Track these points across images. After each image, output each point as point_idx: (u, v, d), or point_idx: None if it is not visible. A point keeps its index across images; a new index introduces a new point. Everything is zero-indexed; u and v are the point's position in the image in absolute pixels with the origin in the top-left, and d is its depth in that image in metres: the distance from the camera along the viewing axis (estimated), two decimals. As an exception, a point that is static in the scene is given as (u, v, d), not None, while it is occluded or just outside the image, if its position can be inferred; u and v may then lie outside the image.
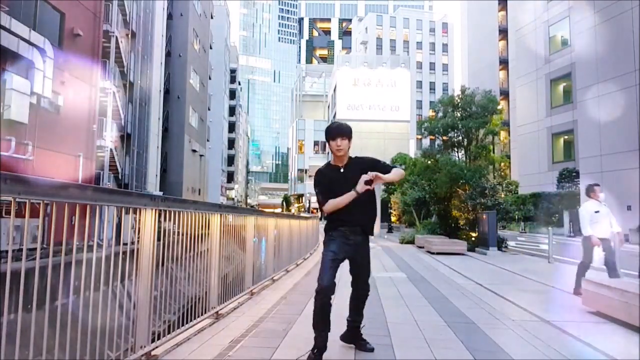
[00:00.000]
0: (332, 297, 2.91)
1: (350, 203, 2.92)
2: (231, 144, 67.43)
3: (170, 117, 29.90)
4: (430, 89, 70.39)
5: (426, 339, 3.52)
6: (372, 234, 3.11)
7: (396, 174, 2.97)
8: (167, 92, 29.01)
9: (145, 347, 2.76)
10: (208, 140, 40.97)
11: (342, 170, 2.99)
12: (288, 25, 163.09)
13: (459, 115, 17.86)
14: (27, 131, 12.45)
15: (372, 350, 3.17)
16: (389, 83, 47.47)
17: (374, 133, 44.66)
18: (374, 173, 2.83)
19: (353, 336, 3.23)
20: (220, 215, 4.26)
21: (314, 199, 61.92)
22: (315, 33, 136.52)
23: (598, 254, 5.92)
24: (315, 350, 2.89)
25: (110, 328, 2.46)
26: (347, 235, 2.97)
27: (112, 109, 18.12)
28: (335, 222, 3.01)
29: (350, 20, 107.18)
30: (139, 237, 2.83)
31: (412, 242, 16.04)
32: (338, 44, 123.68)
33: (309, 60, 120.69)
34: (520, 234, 23.68)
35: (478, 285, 6.56)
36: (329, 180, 3.01)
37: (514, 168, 37.19)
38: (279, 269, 7.27)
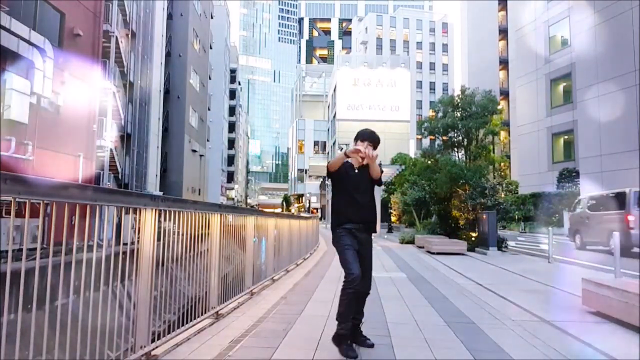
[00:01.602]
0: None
1: (355, 203, 3.19)
2: (231, 144, 67.43)
3: (170, 117, 29.90)
4: (430, 89, 70.37)
5: (426, 339, 3.52)
6: (375, 232, 3.34)
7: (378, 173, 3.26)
8: (167, 92, 29.00)
9: (145, 347, 2.76)
10: (208, 140, 40.97)
11: (356, 170, 3.26)
12: (288, 25, 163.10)
13: (459, 115, 17.86)
14: (27, 131, 12.45)
15: (372, 346, 3.22)
16: (389, 83, 47.47)
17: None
18: (372, 152, 3.12)
19: (353, 333, 3.26)
20: (220, 215, 4.26)
21: (314, 199, 61.92)
22: (315, 33, 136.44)
23: None
24: (346, 340, 3.05)
25: (110, 328, 2.46)
26: (354, 233, 3.17)
27: (112, 109, 18.12)
28: (342, 218, 3.22)
29: (350, 20, 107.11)
30: (139, 237, 2.83)
31: (412, 242, 16.03)
32: (338, 44, 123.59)
33: (309, 60, 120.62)
34: (520, 234, 23.67)
35: (478, 285, 6.56)
36: (346, 171, 3.27)
37: (514, 168, 37.20)
38: (279, 269, 7.27)
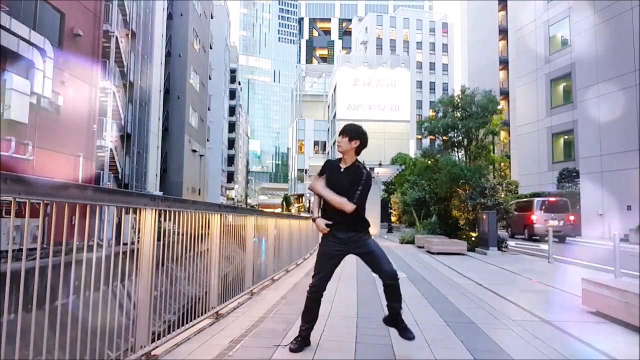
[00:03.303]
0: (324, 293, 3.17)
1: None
2: (231, 144, 67.44)
3: (170, 117, 29.90)
4: (430, 89, 70.35)
5: (426, 339, 3.52)
6: (360, 229, 3.12)
7: (339, 202, 3.02)
8: (167, 92, 29.00)
9: (145, 347, 2.77)
10: (208, 140, 40.96)
11: (342, 170, 3.14)
12: (288, 25, 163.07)
13: (459, 115, 17.80)
14: (27, 131, 12.45)
15: (412, 339, 3.09)
16: (389, 83, 47.42)
17: (374, 133, 44.49)
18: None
19: (393, 321, 3.21)
20: (220, 215, 4.26)
21: (314, 199, 61.81)
22: (315, 33, 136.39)
23: None
24: (299, 339, 3.14)
25: (110, 328, 2.46)
26: (335, 234, 3.09)
27: (112, 109, 18.12)
28: (326, 217, 3.15)
29: (350, 20, 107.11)
30: (139, 237, 2.83)
31: (412, 242, 16.02)
32: (338, 44, 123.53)
33: (309, 60, 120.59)
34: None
35: (478, 285, 6.56)
36: (331, 171, 3.19)
37: (514, 168, 37.17)
38: (279, 269, 7.27)
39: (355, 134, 3.12)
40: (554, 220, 17.76)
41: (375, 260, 3.11)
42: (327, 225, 3.09)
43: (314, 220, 3.20)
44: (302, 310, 3.22)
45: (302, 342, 3.15)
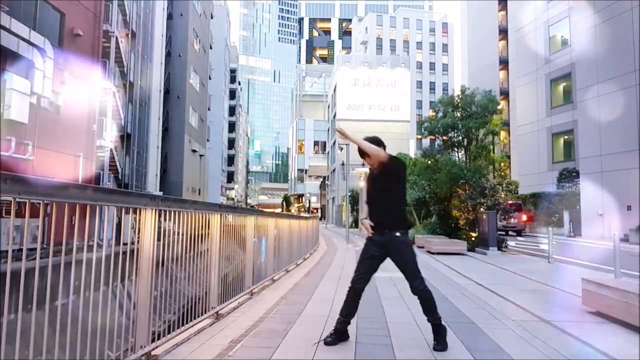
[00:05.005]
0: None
1: (369, 205, 3.37)
2: (231, 144, 67.43)
3: (170, 117, 29.89)
4: (430, 89, 70.29)
5: (426, 339, 3.52)
6: (394, 229, 3.25)
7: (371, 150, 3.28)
8: (167, 92, 28.98)
9: (145, 347, 2.76)
10: (208, 140, 40.94)
11: (376, 173, 3.42)
12: (288, 25, 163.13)
13: (459, 115, 17.80)
14: (27, 131, 12.45)
15: (439, 350, 3.18)
16: (389, 83, 47.40)
17: (374, 133, 44.24)
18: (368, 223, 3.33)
19: (433, 333, 3.30)
20: (220, 215, 4.26)
21: (314, 199, 61.89)
22: (315, 33, 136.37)
23: None
24: (334, 333, 3.32)
25: (110, 328, 2.46)
26: (374, 236, 3.30)
27: (112, 109, 18.10)
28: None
29: (350, 20, 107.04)
30: (139, 237, 2.83)
31: (412, 242, 16.02)
32: (338, 44, 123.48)
33: (309, 60, 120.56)
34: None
35: (478, 285, 6.56)
36: (370, 179, 3.50)
37: (514, 168, 37.15)
38: (279, 269, 7.27)
39: (377, 144, 3.39)
40: (510, 219, 21.84)
41: (405, 271, 3.31)
42: (371, 226, 3.30)
43: (361, 221, 3.41)
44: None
45: (337, 336, 3.30)
